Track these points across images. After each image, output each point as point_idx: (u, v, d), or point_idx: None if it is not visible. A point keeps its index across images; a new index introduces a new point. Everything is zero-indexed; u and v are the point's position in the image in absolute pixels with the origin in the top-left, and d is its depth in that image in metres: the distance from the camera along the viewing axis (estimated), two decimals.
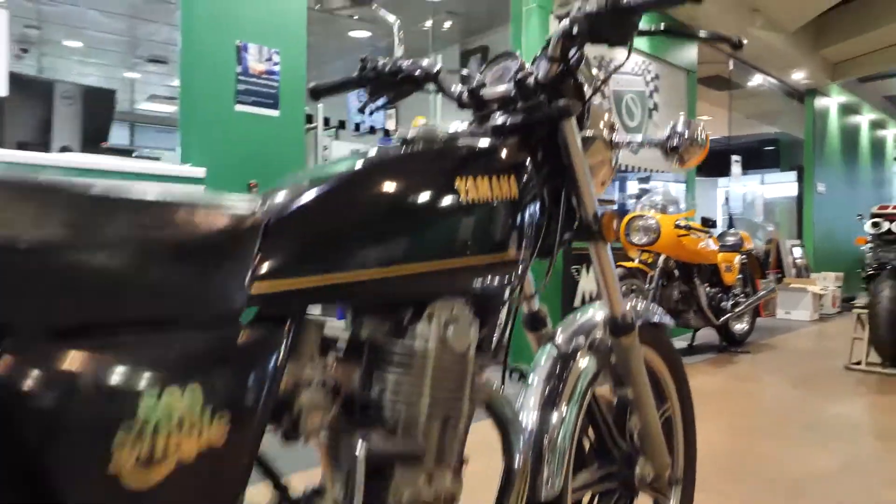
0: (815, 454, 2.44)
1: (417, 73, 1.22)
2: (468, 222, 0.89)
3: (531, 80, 1.05)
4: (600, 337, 1.25)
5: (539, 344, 1.29)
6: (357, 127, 6.81)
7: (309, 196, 0.76)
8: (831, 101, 8.68)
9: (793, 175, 9.54)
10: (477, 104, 1.13)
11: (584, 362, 1.22)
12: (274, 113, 2.84)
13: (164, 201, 0.65)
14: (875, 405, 3.26)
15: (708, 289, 4.56)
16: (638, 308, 1.41)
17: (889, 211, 3.81)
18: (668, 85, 5.37)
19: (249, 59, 2.75)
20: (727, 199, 7.65)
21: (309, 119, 3.30)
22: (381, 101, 1.28)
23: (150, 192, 0.65)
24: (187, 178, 2.47)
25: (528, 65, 1.18)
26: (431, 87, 1.23)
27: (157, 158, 2.81)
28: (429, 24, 5.68)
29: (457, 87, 1.19)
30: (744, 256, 4.92)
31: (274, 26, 2.85)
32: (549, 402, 1.17)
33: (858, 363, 4.05)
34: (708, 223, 4.58)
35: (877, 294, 3.82)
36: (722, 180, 9.98)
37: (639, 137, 1.20)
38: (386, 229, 0.80)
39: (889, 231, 3.79)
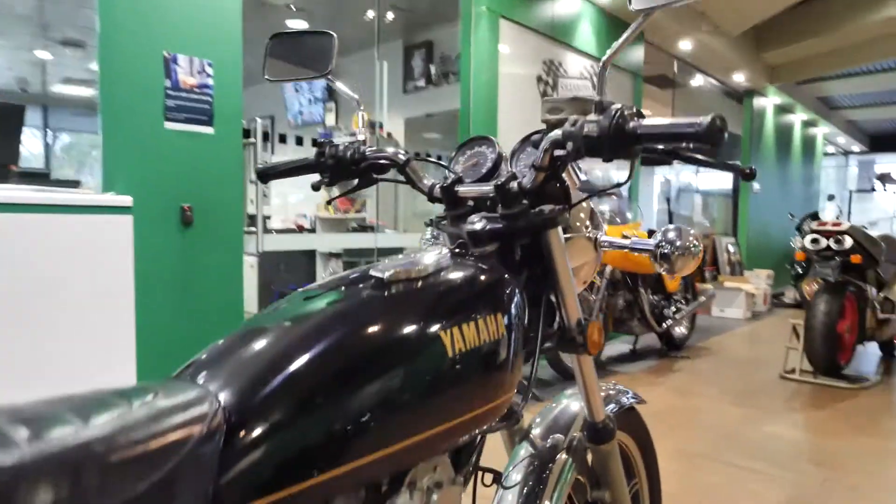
0: (762, 487, 2.46)
1: (383, 161, 1.10)
2: (457, 381, 0.78)
3: (514, 185, 0.96)
4: (578, 437, 1.19)
5: (511, 440, 1.23)
6: (300, 141, 6.52)
7: (273, 380, 0.64)
8: (768, 102, 8.91)
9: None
10: (451, 201, 1.03)
11: (563, 466, 1.17)
12: (208, 130, 2.62)
13: (98, 424, 0.54)
14: (812, 423, 3.34)
15: (651, 296, 4.63)
16: (611, 392, 1.36)
17: (827, 228, 3.90)
18: (616, 86, 5.37)
19: (179, 71, 2.52)
20: (667, 197, 7.79)
21: (246, 134, 3.09)
22: (337, 192, 1.16)
23: (79, 410, 0.54)
24: (111, 208, 2.24)
25: (504, 154, 1.09)
26: (398, 177, 1.11)
27: (76, 183, 2.56)
28: (371, 14, 5.46)
29: (427, 181, 1.09)
30: None
31: (206, 35, 2.62)
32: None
33: (792, 371, 4.17)
34: (651, 234, 4.63)
35: (813, 307, 3.92)
36: (659, 169, 10.16)
37: (625, 242, 1.11)
38: (371, 414, 0.68)
39: (827, 247, 3.88)
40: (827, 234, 3.91)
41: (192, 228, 2.80)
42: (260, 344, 0.70)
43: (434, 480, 0.81)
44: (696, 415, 3.44)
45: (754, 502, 2.36)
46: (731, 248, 8.08)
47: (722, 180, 9.77)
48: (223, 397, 0.62)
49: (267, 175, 1.17)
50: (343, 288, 0.79)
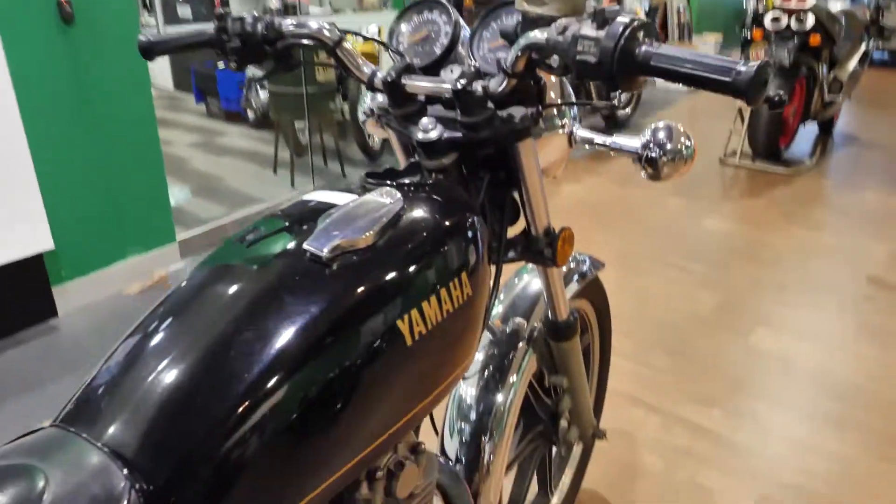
0: (697, 290, 2.55)
1: (306, 42, 0.84)
2: (419, 367, 0.66)
3: (478, 89, 0.75)
4: (539, 329, 1.12)
5: None
6: None
7: (197, 422, 0.52)
8: None
9: None
10: (397, 97, 0.82)
11: (523, 356, 1.11)
12: None
13: None
14: (748, 214, 3.42)
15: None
16: (571, 267, 1.26)
17: (791, 6, 3.62)
18: None
19: None
20: None
21: None
22: (246, 73, 0.90)
23: None
24: None
25: (462, 25, 0.84)
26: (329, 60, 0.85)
27: None
28: None
29: (366, 67, 0.85)
30: None
31: None
32: (487, 395, 1.08)
33: (733, 154, 4.19)
34: None
35: None
36: None
37: (606, 139, 0.90)
38: (325, 436, 0.58)
39: (788, 27, 3.64)
40: (790, 12, 3.65)
41: (74, 27, 2.35)
42: (165, 371, 0.54)
43: (395, 466, 0.74)
44: (635, 207, 3.46)
45: (689, 307, 2.45)
46: (682, 9, 7.65)
47: None
48: (131, 459, 0.50)
49: (151, 51, 0.91)
50: (272, 269, 0.61)
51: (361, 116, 0.98)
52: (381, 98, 0.87)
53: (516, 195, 0.90)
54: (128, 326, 0.64)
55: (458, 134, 0.78)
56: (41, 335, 2.36)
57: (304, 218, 0.68)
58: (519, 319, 1.15)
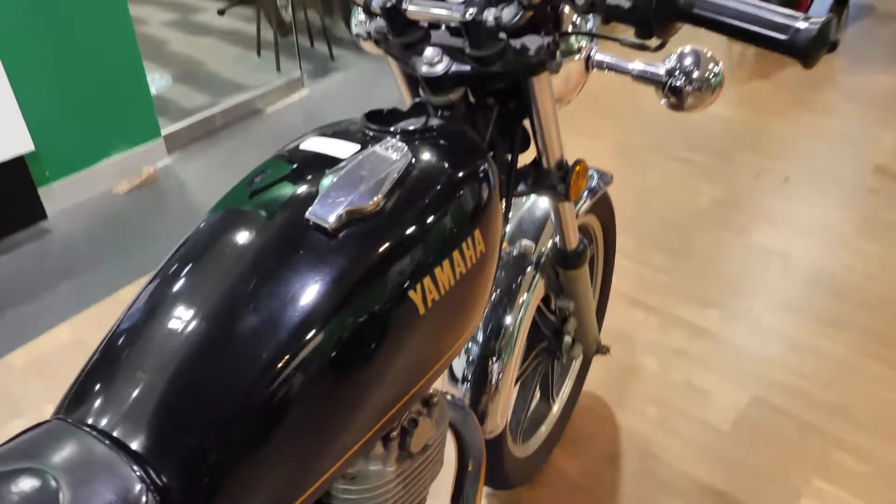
0: (699, 183, 2.50)
1: None
2: (433, 334, 0.64)
3: (489, 19, 0.66)
4: (547, 255, 1.10)
5: None
6: None
7: (209, 414, 0.50)
8: None
9: None
10: (397, 25, 0.73)
11: (531, 281, 1.10)
12: None
13: None
14: (756, 98, 3.30)
15: None
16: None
17: None
18: None
19: None
20: None
21: None
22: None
23: None
24: None
25: None
26: None
27: None
28: None
29: None
30: None
31: None
32: (494, 318, 1.08)
33: None
34: None
35: None
36: None
37: (628, 65, 0.82)
38: (343, 414, 0.57)
39: None
40: None
41: None
42: (173, 355, 0.52)
43: (409, 422, 0.73)
44: (637, 95, 3.32)
45: (690, 201, 2.41)
46: None
47: None
48: (143, 455, 0.48)
49: None
50: (276, 240, 0.58)
51: (354, 29, 0.89)
52: (379, 20, 0.78)
53: (527, 124, 0.84)
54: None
55: (467, 67, 0.71)
56: (33, 239, 2.32)
57: (308, 170, 0.63)
58: (527, 242, 1.12)
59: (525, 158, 0.88)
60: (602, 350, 1.32)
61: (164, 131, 2.78)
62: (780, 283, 2.03)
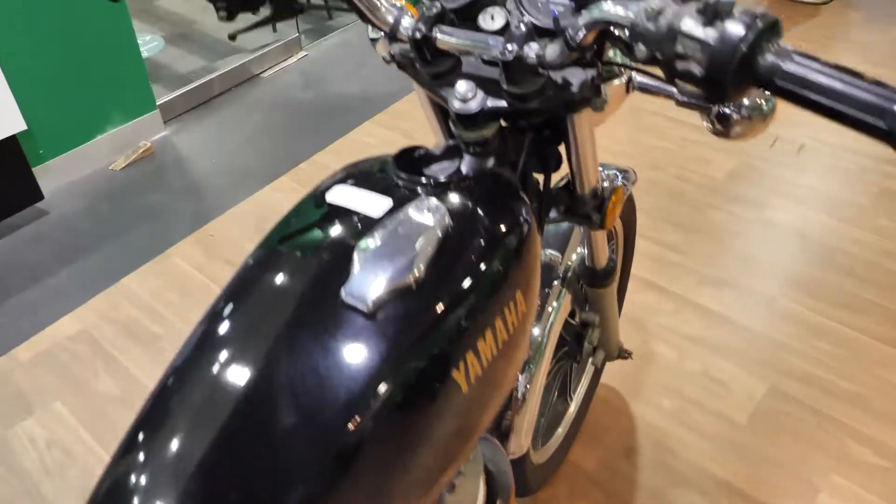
0: (711, 152, 2.44)
1: None
2: (476, 408, 0.61)
3: (531, 56, 0.60)
4: (573, 271, 1.07)
5: None
6: None
7: None
8: None
9: None
10: (427, 55, 0.66)
11: (559, 297, 1.06)
12: None
13: None
14: None
15: None
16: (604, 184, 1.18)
17: None
18: None
19: None
20: None
21: None
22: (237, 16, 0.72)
23: None
24: None
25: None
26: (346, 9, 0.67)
27: None
28: None
29: (388, 13, 0.68)
30: None
31: None
32: None
33: None
34: None
35: None
36: None
37: (671, 88, 0.76)
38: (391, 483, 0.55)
39: None
40: None
41: None
42: (210, 448, 0.49)
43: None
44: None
45: (703, 172, 2.36)
46: None
47: None
48: None
49: None
50: (308, 329, 0.54)
51: (374, 44, 0.82)
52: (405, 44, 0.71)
53: (561, 149, 0.78)
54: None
55: (502, 103, 0.65)
56: (31, 220, 2.26)
57: (339, 230, 0.60)
58: (553, 253, 1.08)
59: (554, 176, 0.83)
60: (624, 355, 1.29)
61: (159, 101, 2.69)
62: (794, 262, 1.99)
